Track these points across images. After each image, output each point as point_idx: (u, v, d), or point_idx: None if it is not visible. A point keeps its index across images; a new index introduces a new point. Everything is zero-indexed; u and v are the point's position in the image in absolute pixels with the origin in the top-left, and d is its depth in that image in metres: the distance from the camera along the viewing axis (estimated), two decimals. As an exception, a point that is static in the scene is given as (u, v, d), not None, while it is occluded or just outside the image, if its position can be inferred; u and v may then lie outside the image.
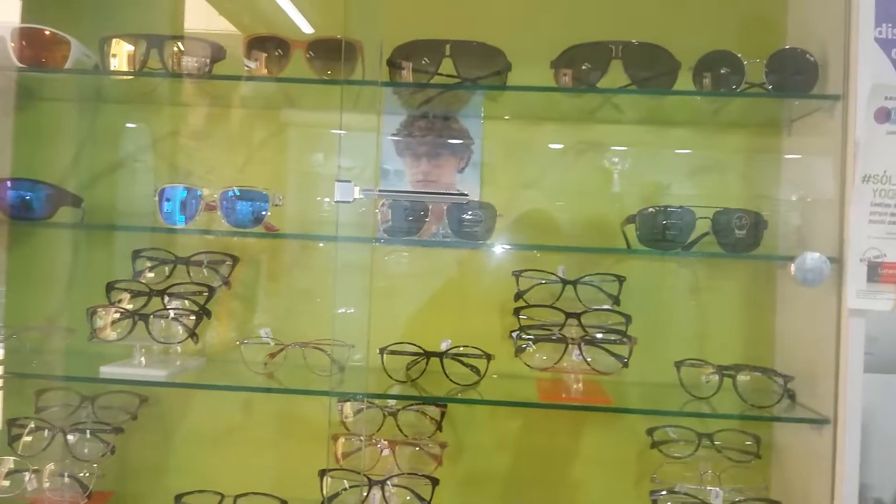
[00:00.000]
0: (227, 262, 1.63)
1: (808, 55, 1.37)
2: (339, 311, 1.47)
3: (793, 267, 1.29)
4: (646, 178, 1.61)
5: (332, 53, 1.46)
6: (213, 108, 1.70)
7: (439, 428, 1.55)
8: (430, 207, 1.44)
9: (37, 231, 1.65)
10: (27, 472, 1.51)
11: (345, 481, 1.49)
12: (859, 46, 1.26)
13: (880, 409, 1.60)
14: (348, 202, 1.33)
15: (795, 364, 1.47)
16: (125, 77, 1.53)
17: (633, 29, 1.46)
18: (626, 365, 1.43)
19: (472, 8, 1.59)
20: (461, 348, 1.53)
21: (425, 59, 1.47)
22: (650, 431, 1.53)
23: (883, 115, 1.24)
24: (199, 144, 1.69)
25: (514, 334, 1.46)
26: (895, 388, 1.60)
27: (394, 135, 1.65)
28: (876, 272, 1.25)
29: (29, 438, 1.56)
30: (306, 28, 1.65)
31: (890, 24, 1.58)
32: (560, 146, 1.64)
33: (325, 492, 1.47)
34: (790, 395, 1.45)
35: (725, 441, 1.52)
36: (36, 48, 1.49)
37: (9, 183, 1.51)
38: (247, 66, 1.47)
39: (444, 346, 1.53)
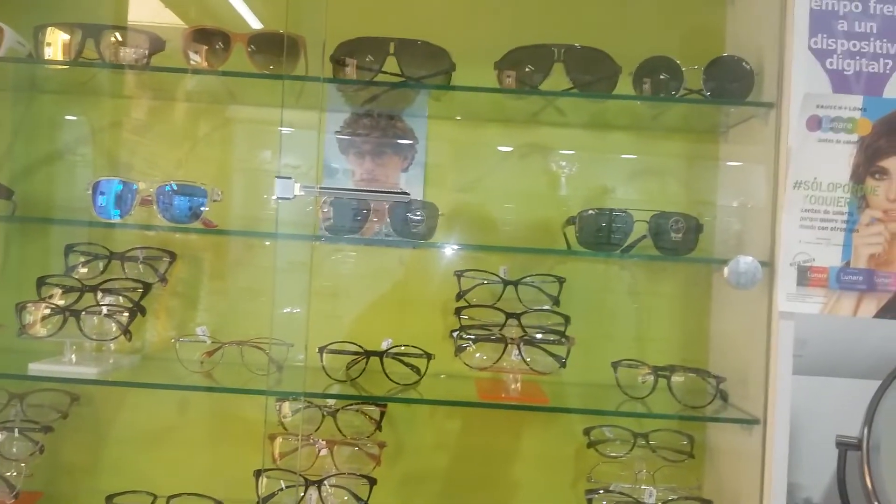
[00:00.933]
0: (165, 259, 1.60)
1: (744, 63, 1.40)
2: (280, 311, 1.45)
3: (726, 270, 1.31)
4: (588, 181, 1.63)
5: (274, 48, 1.44)
6: (153, 102, 1.67)
7: (379, 428, 1.54)
8: (373, 206, 1.43)
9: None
10: (-50, 473, 1.46)
11: (281, 481, 1.47)
12: (793, 56, 1.30)
13: (809, 410, 1.63)
14: (288, 198, 1.32)
15: (728, 365, 1.50)
16: (60, 67, 1.49)
17: (576, 33, 1.47)
18: (563, 365, 1.44)
19: (418, 7, 1.59)
20: (402, 347, 1.53)
21: (369, 56, 1.46)
22: (587, 431, 1.54)
23: (814, 124, 1.27)
24: (138, 138, 1.65)
25: (455, 334, 1.46)
26: (824, 390, 1.64)
27: (338, 132, 1.64)
28: (805, 276, 1.28)
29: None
30: (254, 23, 1.62)
31: (825, 35, 1.62)
32: (504, 148, 1.65)
33: (260, 492, 1.44)
34: (723, 396, 1.48)
35: (661, 441, 1.54)
36: (-35, 35, 1.44)
37: (-67, 174, 1.46)
38: (192, 61, 1.44)
39: (384, 346, 1.53)
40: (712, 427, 1.57)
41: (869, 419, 1.44)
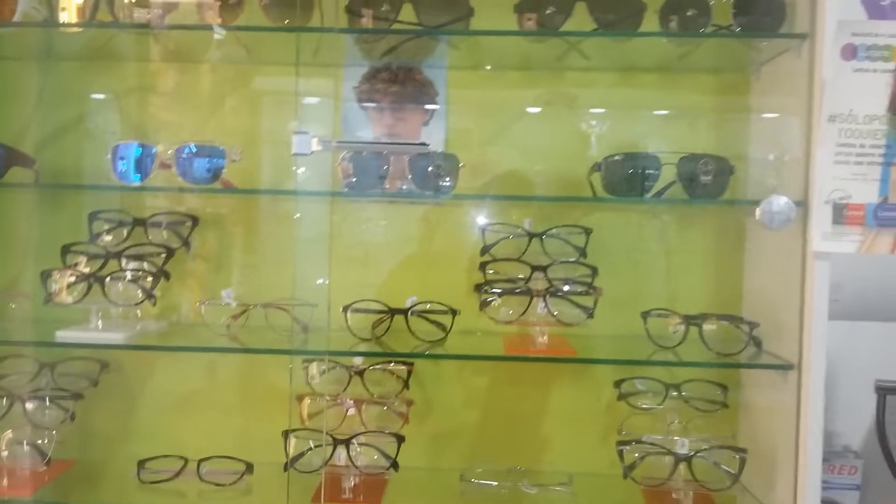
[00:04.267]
0: (187, 223, 1.60)
1: (774, -6, 1.35)
2: (302, 271, 1.43)
3: (758, 211, 1.27)
4: (615, 128, 1.58)
5: (287, 1, 1.41)
6: (169, 63, 1.64)
7: (406, 386, 1.52)
8: (392, 160, 1.41)
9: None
10: (-15, 441, 1.47)
11: (310, 441, 1.46)
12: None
13: (846, 356, 1.60)
14: (306, 154, 1.29)
15: (762, 312, 1.46)
16: (75, 30, 1.48)
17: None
18: (591, 316, 1.41)
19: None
20: (427, 305, 1.51)
21: (385, 5, 1.42)
22: (617, 384, 1.52)
23: (850, 52, 1.21)
24: (156, 100, 1.64)
25: (480, 287, 1.43)
26: (861, 335, 1.59)
27: (356, 87, 1.61)
28: (841, 214, 1.23)
29: (-13, 406, 1.52)
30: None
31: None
32: (526, 95, 1.60)
33: (289, 452, 1.44)
34: (756, 343, 1.43)
35: (693, 392, 1.51)
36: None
37: (-45, 143, 1.46)
38: (217, 34, 1.42)
39: (409, 303, 1.51)
40: (746, 376, 1.54)
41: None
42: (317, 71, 1.51)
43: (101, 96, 1.64)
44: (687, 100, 1.56)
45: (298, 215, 1.47)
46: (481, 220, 1.56)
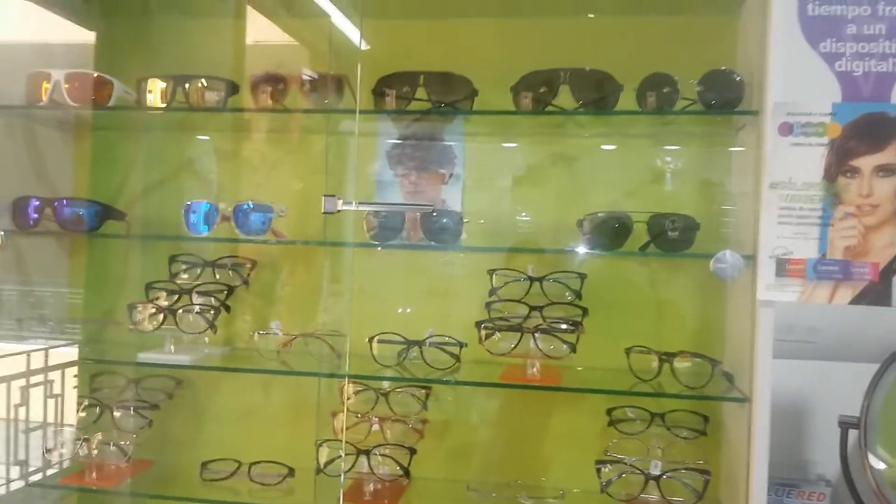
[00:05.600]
0: (247, 265, 1.91)
1: (734, 75, 1.55)
2: (331, 307, 1.72)
3: (711, 264, 1.47)
4: (606, 184, 1.80)
5: (323, 86, 1.72)
6: (235, 133, 1.98)
7: (424, 406, 1.78)
8: (407, 216, 1.68)
9: (90, 241, 1.96)
10: (80, 441, 1.81)
11: (341, 451, 1.73)
12: (770, 67, 1.43)
13: (825, 392, 1.74)
14: (332, 212, 1.58)
15: (735, 351, 1.63)
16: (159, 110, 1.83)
17: (593, 56, 1.67)
18: (573, 350, 1.62)
19: (443, 44, 1.82)
20: (446, 338, 1.76)
21: (406, 87, 1.70)
22: (609, 411, 1.72)
23: (786, 129, 1.40)
24: (224, 165, 1.97)
25: (480, 325, 1.68)
26: (837, 374, 1.74)
27: (387, 152, 1.89)
28: (784, 268, 1.41)
29: (83, 414, 1.87)
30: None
31: (834, 39, 1.75)
32: (531, 158, 1.85)
33: (319, 459, 1.72)
34: (728, 378, 1.62)
35: (677, 421, 1.70)
36: (85, 89, 1.79)
37: (65, 201, 1.83)
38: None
39: (426, 336, 1.76)
40: (726, 408, 1.71)
41: (868, 399, 1.55)
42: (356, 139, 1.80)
43: (179, 161, 1.99)
44: (667, 163, 1.77)
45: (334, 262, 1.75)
46: (492, 265, 1.80)
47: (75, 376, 1.89)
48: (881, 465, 1.56)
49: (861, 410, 1.56)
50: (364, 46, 1.69)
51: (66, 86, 1.78)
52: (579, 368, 1.74)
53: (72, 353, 1.92)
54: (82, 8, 1.97)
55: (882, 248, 1.38)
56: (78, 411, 1.86)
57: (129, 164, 1.99)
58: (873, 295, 1.40)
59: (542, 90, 1.65)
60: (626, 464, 1.61)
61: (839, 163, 1.39)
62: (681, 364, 1.63)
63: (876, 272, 1.39)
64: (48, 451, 1.82)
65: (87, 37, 2.00)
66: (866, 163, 1.37)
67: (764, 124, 1.43)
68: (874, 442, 1.55)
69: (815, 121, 1.39)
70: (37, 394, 1.81)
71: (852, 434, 1.60)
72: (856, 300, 1.40)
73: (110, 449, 1.80)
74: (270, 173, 1.95)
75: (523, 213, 1.84)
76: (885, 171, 1.37)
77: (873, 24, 1.71)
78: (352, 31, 1.75)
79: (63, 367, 1.87)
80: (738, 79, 1.55)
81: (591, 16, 1.78)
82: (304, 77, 1.70)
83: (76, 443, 1.82)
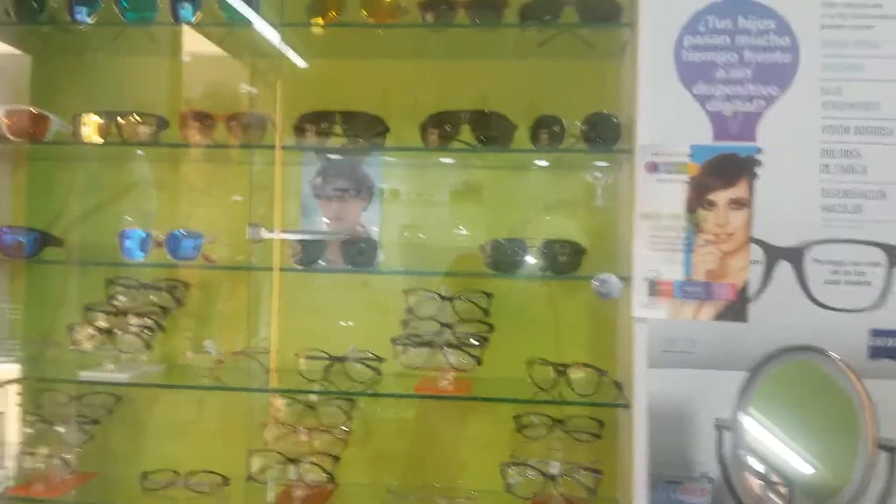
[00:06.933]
0: (181, 287, 2.05)
1: (613, 117, 1.73)
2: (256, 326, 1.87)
3: (593, 284, 1.65)
4: (509, 211, 1.98)
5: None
6: (168, 164, 2.12)
7: (348, 417, 1.94)
8: (328, 242, 1.84)
9: (29, 265, 2.08)
10: (26, 455, 1.93)
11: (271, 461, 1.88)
12: (639, 110, 1.61)
13: (702, 399, 1.93)
14: (256, 240, 1.73)
15: (624, 361, 1.82)
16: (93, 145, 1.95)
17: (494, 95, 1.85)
18: (479, 363, 1.80)
19: (355, 86, 1.98)
20: (362, 353, 1.92)
21: (323, 123, 1.86)
22: (516, 418, 1.90)
23: (652, 167, 1.59)
24: (158, 194, 2.11)
25: (395, 340, 1.84)
26: (713, 382, 1.93)
27: (311, 181, 2.04)
28: (655, 288, 1.60)
29: (29, 430, 1.99)
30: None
31: (705, 82, 1.95)
32: (442, 187, 2.02)
33: (251, 469, 1.86)
34: (618, 386, 1.80)
35: (577, 426, 1.87)
36: (23, 123, 1.91)
37: (5, 229, 1.95)
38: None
39: (349, 352, 1.92)
40: (618, 414, 1.89)
41: (736, 404, 1.74)
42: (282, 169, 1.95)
43: (113, 189, 2.11)
44: (559, 194, 1.96)
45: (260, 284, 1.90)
46: (408, 286, 1.96)
47: (18, 394, 2.01)
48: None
49: (730, 414, 1.75)
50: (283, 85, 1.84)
51: (6, 121, 1.89)
52: (490, 379, 1.90)
53: (13, 369, 2.04)
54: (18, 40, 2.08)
55: (738, 271, 1.58)
56: (23, 427, 1.97)
57: (66, 192, 2.11)
58: (732, 312, 1.59)
59: (446, 127, 1.82)
60: (528, 465, 1.78)
61: (698, 197, 1.58)
62: (575, 374, 1.81)
63: (733, 292, 1.58)
64: (-6, 465, 1.94)
65: (23, 68, 2.11)
66: (721, 197, 1.57)
67: (636, 162, 1.62)
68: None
69: (677, 160, 1.58)
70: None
71: (727, 435, 1.79)
72: (717, 317, 1.59)
73: (55, 462, 1.91)
74: (201, 202, 2.09)
75: (435, 238, 2.01)
76: (737, 204, 1.56)
77: (740, 69, 1.92)
78: (274, 70, 1.90)
79: (3, 384, 1.98)
80: (616, 121, 1.73)
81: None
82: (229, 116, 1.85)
83: (22, 456, 1.93)
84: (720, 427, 1.82)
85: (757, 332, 1.82)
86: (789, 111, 1.80)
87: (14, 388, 2.00)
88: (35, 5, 1.91)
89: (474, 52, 1.95)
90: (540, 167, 1.98)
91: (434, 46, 1.92)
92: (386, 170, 2.03)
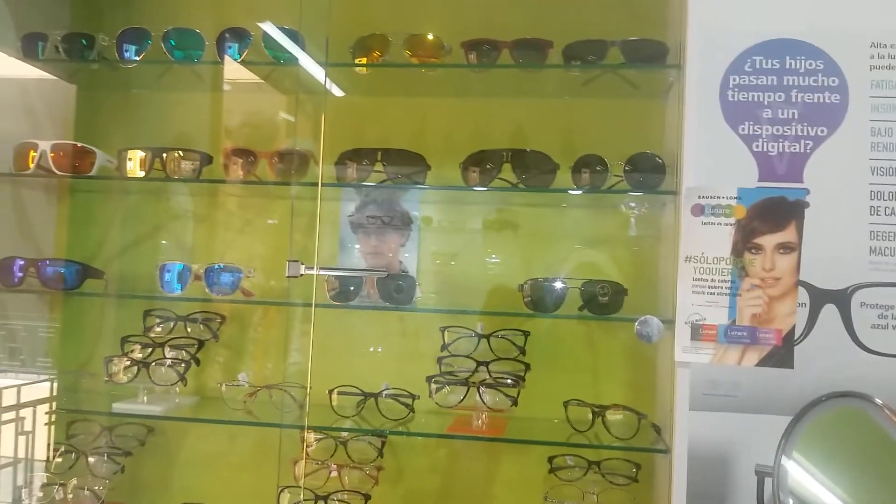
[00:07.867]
0: (217, 319, 2.05)
1: (657, 157, 1.73)
2: (293, 361, 1.86)
3: (636, 327, 1.63)
4: (549, 249, 1.97)
5: (290, 160, 1.88)
6: (209, 199, 2.13)
7: (380, 454, 1.92)
8: (365, 279, 1.83)
9: (68, 295, 2.09)
10: (56, 486, 1.93)
11: (300, 496, 1.86)
12: (685, 153, 1.61)
13: (744, 444, 1.90)
14: (296, 276, 1.73)
15: (663, 406, 1.79)
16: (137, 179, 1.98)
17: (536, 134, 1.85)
18: (515, 403, 1.77)
19: (396, 122, 2.00)
20: (394, 389, 1.90)
21: (365, 161, 1.87)
22: (550, 459, 1.87)
23: (698, 210, 1.58)
24: (197, 226, 2.12)
25: (431, 379, 1.82)
26: (753, 427, 1.90)
27: (349, 216, 2.05)
28: (698, 332, 1.58)
29: (59, 459, 1.99)
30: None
31: (751, 122, 1.94)
32: (480, 224, 2.02)
33: (281, 504, 1.85)
34: (657, 430, 1.77)
35: (613, 468, 1.84)
36: (69, 158, 1.94)
37: (47, 262, 1.96)
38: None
39: (382, 389, 1.91)
40: (656, 457, 1.86)
41: (780, 450, 1.70)
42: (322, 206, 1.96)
43: (154, 223, 2.13)
44: (600, 233, 1.94)
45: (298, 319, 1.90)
46: (445, 323, 1.95)
47: (47, 413, 2.01)
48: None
49: (774, 460, 1.71)
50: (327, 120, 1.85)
51: (52, 155, 1.92)
52: (522, 418, 1.88)
53: (45, 389, 2.04)
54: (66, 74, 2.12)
55: (784, 316, 1.55)
56: (54, 457, 1.97)
57: (108, 224, 2.13)
58: (777, 358, 1.56)
59: (487, 166, 1.82)
60: (561, 507, 1.76)
61: (745, 240, 1.56)
62: (612, 416, 1.78)
63: (780, 338, 1.56)
64: (21, 487, 1.93)
65: (69, 99, 2.15)
66: (768, 241, 1.55)
67: (680, 203, 1.61)
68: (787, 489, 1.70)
69: (723, 203, 1.57)
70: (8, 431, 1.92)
71: (768, 482, 1.75)
72: (762, 363, 1.56)
73: (84, 493, 1.91)
74: (240, 235, 2.10)
75: (473, 275, 2.00)
76: (785, 248, 1.54)
77: (787, 109, 1.91)
78: (317, 106, 1.92)
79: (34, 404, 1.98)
80: (660, 161, 1.72)
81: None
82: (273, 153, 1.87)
83: (53, 487, 1.93)
84: (761, 473, 1.78)
85: (800, 376, 1.79)
86: (837, 152, 1.80)
87: (44, 409, 2.00)
88: (84, 42, 1.95)
89: (516, 90, 1.96)
90: (582, 206, 1.96)
91: (476, 84, 1.93)
92: (424, 206, 2.03)
